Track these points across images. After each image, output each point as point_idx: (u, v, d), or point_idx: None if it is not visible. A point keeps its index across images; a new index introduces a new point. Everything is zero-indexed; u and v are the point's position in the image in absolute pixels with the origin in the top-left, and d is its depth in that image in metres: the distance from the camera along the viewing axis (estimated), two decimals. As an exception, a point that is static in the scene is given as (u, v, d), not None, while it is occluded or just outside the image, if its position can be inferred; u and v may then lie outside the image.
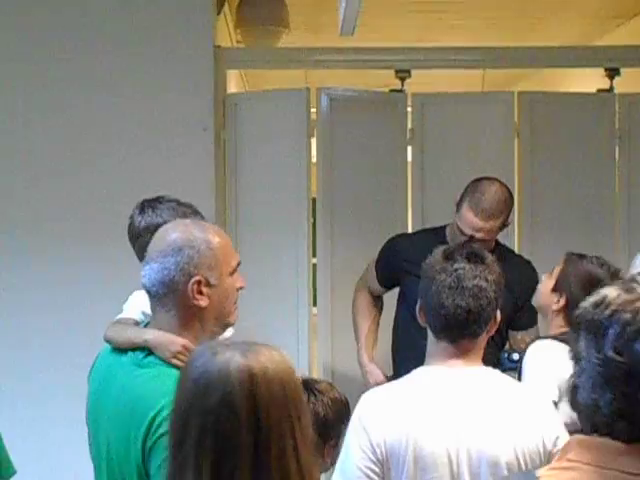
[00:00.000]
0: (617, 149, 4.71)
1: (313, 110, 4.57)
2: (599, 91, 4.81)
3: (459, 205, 3.54)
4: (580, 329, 1.52)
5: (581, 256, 3.14)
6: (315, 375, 4.27)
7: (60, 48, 4.44)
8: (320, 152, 4.58)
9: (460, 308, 2.36)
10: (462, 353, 2.39)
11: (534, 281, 3.39)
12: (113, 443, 2.12)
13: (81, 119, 4.46)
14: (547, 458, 2.28)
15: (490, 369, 2.46)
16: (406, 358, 3.62)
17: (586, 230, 4.64)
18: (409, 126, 4.68)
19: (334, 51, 4.83)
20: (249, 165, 4.58)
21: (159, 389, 2.06)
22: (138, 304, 2.61)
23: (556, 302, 3.11)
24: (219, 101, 4.55)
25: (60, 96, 4.46)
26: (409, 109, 4.71)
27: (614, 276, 3.06)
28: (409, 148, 4.69)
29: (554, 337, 3.00)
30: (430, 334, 2.44)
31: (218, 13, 4.81)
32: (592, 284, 3.02)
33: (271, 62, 4.96)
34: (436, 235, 3.71)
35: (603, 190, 4.69)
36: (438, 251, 2.47)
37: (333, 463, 2.64)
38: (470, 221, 3.46)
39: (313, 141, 4.59)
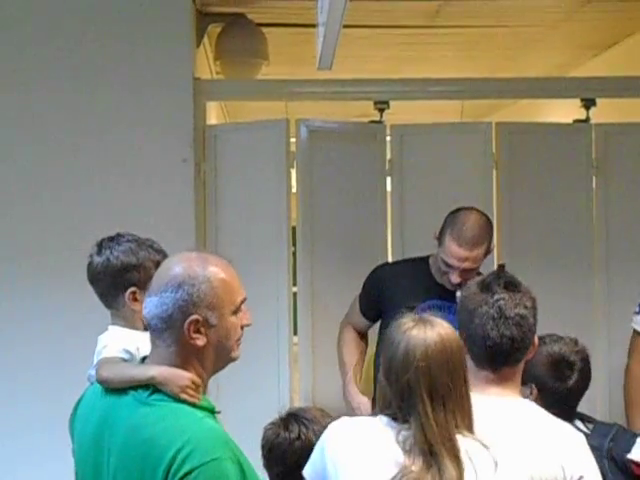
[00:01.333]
0: (594, 179, 4.75)
1: (293, 141, 4.60)
2: (575, 121, 4.86)
3: (441, 238, 3.55)
4: None
5: None
6: (296, 405, 4.26)
7: (41, 79, 4.45)
8: (300, 183, 4.60)
9: (505, 337, 2.41)
10: (502, 381, 2.44)
11: None
12: None
13: (60, 151, 4.46)
14: None
15: (526, 401, 2.50)
16: None
17: (564, 259, 4.67)
18: (388, 157, 4.71)
19: (313, 83, 4.86)
20: (229, 196, 4.59)
21: (173, 428, 2.02)
22: (117, 343, 2.55)
23: (529, 394, 2.94)
24: (199, 132, 4.57)
25: (38, 128, 4.46)
26: (388, 140, 4.74)
27: (575, 344, 3.02)
28: (388, 179, 4.72)
29: None
30: (471, 363, 2.44)
31: (197, 45, 4.84)
32: (558, 362, 2.99)
33: (250, 94, 4.99)
34: (419, 265, 3.74)
35: (581, 220, 4.73)
36: (473, 283, 2.54)
37: None
38: (456, 252, 3.47)
39: (293, 172, 4.61)
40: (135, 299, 2.62)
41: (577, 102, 4.88)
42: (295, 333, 4.60)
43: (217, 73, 5.74)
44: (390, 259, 4.59)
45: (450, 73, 5.61)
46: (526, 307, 2.44)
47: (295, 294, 4.59)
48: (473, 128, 5.03)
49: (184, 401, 2.08)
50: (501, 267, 2.55)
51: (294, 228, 4.59)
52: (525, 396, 2.95)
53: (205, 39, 5.14)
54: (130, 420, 2.08)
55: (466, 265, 3.45)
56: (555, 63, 6.41)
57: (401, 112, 4.90)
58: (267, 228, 4.54)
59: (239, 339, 2.19)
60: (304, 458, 2.66)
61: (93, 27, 4.48)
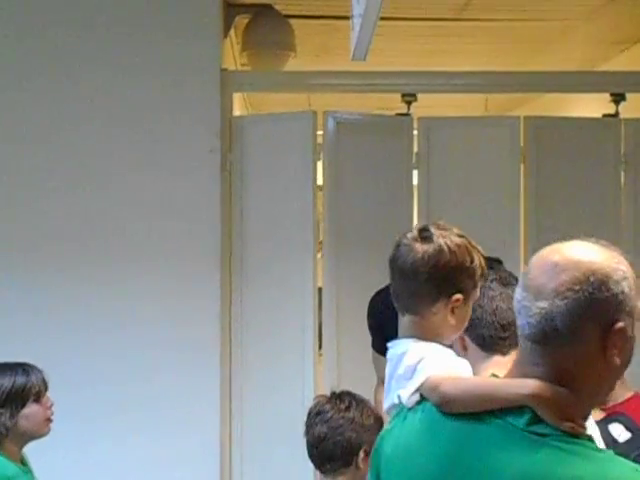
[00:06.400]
0: (623, 174, 4.72)
1: (319, 133, 4.58)
2: (605, 116, 4.82)
3: None
4: None
5: None
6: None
7: (71, 71, 4.45)
8: (326, 175, 4.58)
9: (510, 310, 2.35)
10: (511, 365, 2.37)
11: None
12: None
13: (88, 142, 4.46)
14: None
15: None
16: None
17: (592, 255, 4.62)
18: (415, 150, 4.68)
19: (341, 75, 4.84)
20: (255, 187, 4.58)
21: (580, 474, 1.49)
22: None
23: None
24: (225, 123, 4.56)
25: (69, 116, 4.46)
26: (415, 133, 4.72)
27: None
28: (415, 172, 4.69)
29: None
30: (476, 353, 2.37)
31: (225, 36, 4.83)
32: None
33: (278, 85, 4.98)
34: None
35: (609, 215, 4.69)
36: None
37: (366, 472, 2.70)
38: None
39: (319, 164, 4.59)
40: (454, 310, 1.98)
41: (603, 97, 4.84)
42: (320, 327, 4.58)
43: (242, 65, 5.72)
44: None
45: (477, 66, 5.57)
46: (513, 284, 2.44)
47: (320, 289, 4.57)
48: (501, 122, 5.00)
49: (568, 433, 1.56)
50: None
51: (320, 221, 4.58)
52: None
53: (231, 30, 5.12)
54: (511, 458, 1.54)
55: None
56: (582, 58, 6.36)
57: (425, 105, 4.86)
58: (293, 221, 4.52)
59: None
60: (347, 429, 2.73)
61: (121, 18, 4.48)
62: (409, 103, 4.72)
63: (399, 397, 1.84)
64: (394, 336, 3.66)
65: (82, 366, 4.40)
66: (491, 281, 2.37)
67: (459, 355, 2.25)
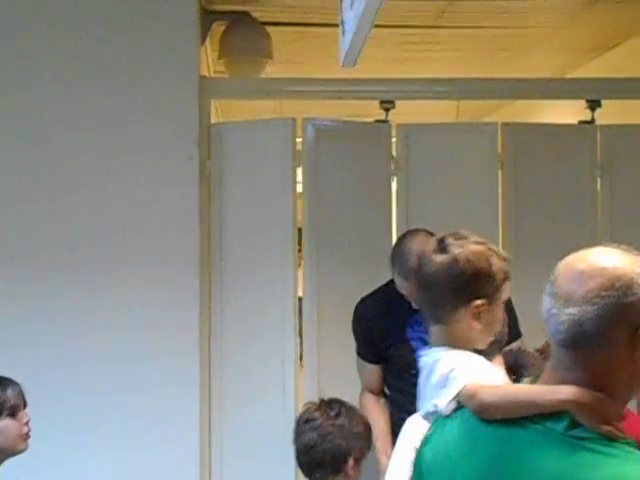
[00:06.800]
0: (599, 180, 4.75)
1: (299, 140, 4.58)
2: (580, 122, 4.85)
3: (392, 269, 3.47)
4: None
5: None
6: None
7: (47, 78, 4.42)
8: (306, 182, 4.57)
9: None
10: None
11: None
12: None
13: (66, 149, 4.43)
14: None
15: None
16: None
17: (569, 261, 4.65)
18: (394, 156, 4.69)
19: (320, 82, 4.84)
20: (234, 195, 4.56)
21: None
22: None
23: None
24: (204, 130, 4.54)
25: (43, 128, 4.42)
26: (394, 140, 4.72)
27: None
28: (394, 178, 4.70)
29: None
30: None
31: (202, 43, 4.81)
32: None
33: (256, 92, 4.95)
34: (391, 290, 3.59)
35: (585, 221, 4.72)
36: None
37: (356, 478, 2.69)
38: (405, 288, 3.39)
39: (299, 171, 4.58)
40: (478, 315, 2.07)
41: (577, 104, 4.87)
42: (300, 335, 4.57)
43: (216, 72, 5.71)
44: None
45: (453, 73, 5.60)
46: None
47: (300, 299, 4.55)
48: (478, 128, 5.02)
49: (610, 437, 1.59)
50: None
51: (300, 228, 4.57)
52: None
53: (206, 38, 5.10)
54: (548, 463, 1.58)
55: None
56: (557, 65, 6.41)
57: (397, 112, 4.86)
58: (272, 228, 4.51)
59: None
60: (336, 436, 2.72)
61: (98, 25, 4.45)
62: (387, 110, 4.71)
63: (435, 406, 1.89)
64: (383, 341, 3.66)
65: (58, 376, 4.35)
66: None
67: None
